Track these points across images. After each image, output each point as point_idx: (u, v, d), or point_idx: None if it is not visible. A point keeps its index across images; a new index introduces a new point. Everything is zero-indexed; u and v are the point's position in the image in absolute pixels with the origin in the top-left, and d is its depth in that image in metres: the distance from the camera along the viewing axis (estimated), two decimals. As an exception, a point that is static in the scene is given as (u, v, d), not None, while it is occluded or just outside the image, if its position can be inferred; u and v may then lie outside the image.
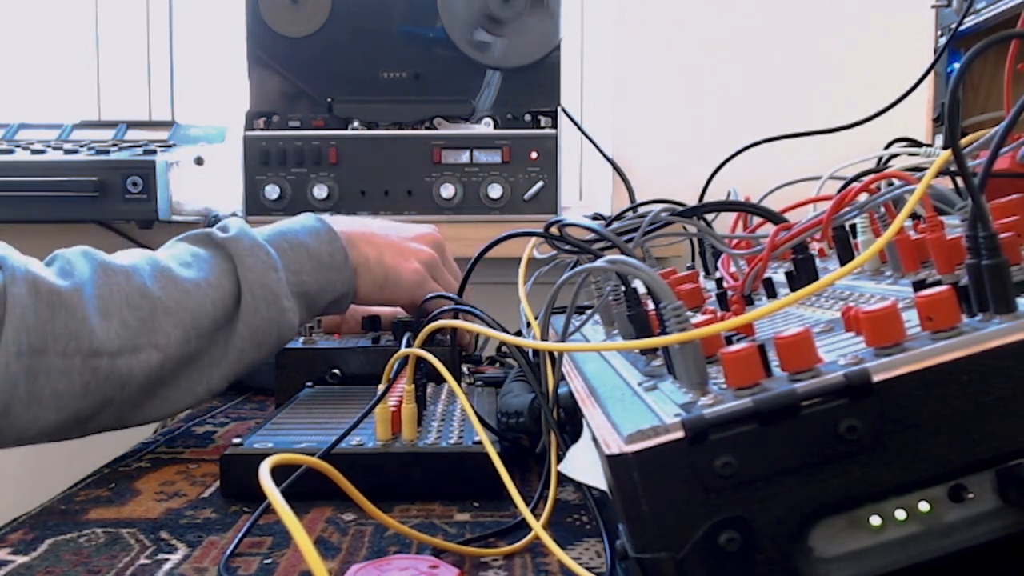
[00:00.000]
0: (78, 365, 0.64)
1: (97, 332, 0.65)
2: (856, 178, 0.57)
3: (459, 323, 0.59)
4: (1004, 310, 0.33)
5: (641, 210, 0.72)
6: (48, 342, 0.63)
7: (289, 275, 0.75)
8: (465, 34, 1.41)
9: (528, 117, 1.41)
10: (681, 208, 0.65)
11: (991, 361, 0.32)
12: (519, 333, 0.72)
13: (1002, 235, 0.34)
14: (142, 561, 0.48)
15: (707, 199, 0.92)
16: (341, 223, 0.83)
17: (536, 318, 0.56)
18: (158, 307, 0.68)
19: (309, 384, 0.83)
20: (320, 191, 1.36)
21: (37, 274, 0.64)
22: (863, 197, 0.52)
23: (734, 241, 0.64)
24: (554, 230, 0.57)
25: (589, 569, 0.41)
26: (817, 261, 0.54)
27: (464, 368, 0.85)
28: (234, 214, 1.41)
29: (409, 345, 0.58)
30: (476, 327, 0.54)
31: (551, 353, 0.54)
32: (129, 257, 0.71)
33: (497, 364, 1.08)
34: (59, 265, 0.67)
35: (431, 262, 0.89)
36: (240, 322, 0.72)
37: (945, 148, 0.50)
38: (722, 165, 0.94)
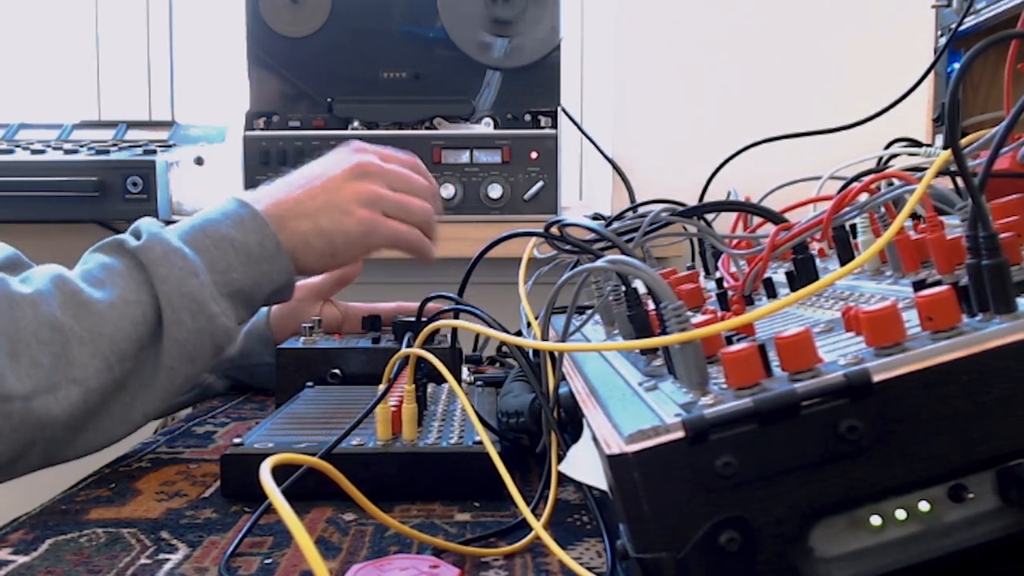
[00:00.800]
0: None
1: (7, 375, 0.59)
2: (856, 178, 0.57)
3: (459, 323, 0.59)
4: (1004, 310, 0.33)
5: (641, 210, 0.72)
6: None
7: (215, 276, 0.69)
8: (465, 34, 1.41)
9: (528, 117, 1.41)
10: (681, 208, 0.65)
11: (991, 361, 0.32)
12: (519, 333, 0.72)
13: (1002, 235, 0.34)
14: (143, 561, 0.48)
15: (707, 199, 0.92)
16: (265, 198, 0.75)
17: (536, 318, 0.56)
18: (71, 338, 0.62)
19: (309, 384, 0.83)
20: (320, 191, 1.36)
21: None
22: (863, 197, 0.52)
23: (734, 241, 0.65)
24: (554, 230, 0.57)
25: (590, 569, 0.41)
26: (817, 261, 0.54)
27: (464, 368, 0.85)
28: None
29: (409, 345, 0.58)
30: (476, 327, 0.54)
31: (551, 353, 0.54)
32: (37, 282, 0.64)
33: (497, 364, 1.08)
34: None
35: (371, 198, 0.78)
36: (166, 338, 0.66)
37: (945, 148, 0.50)
38: (722, 165, 0.94)
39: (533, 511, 0.46)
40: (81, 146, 1.45)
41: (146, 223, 0.70)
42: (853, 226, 0.55)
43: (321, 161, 0.81)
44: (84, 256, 0.70)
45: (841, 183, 0.58)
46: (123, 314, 0.64)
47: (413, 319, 0.88)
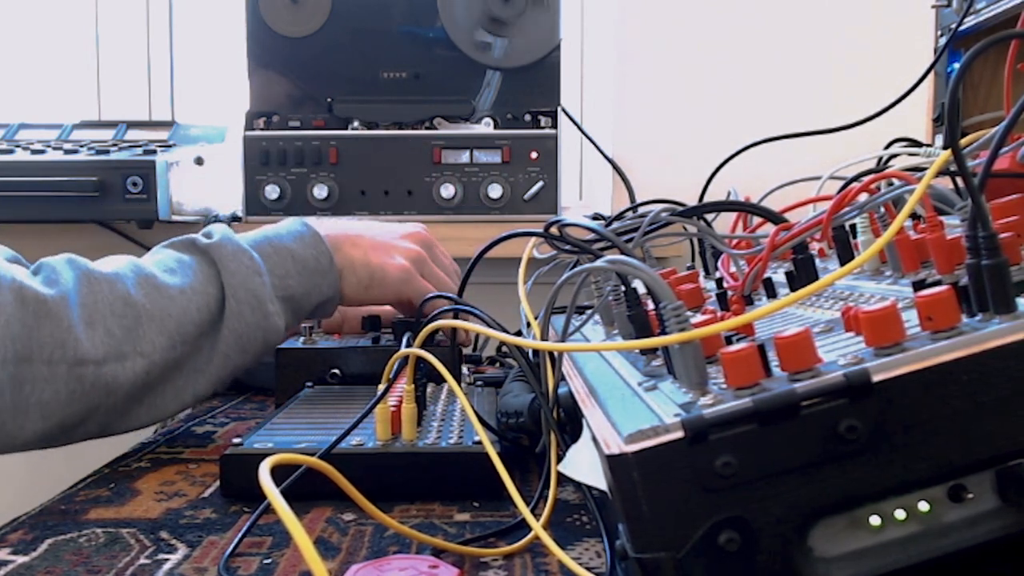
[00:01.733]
0: (64, 373, 0.64)
1: (83, 340, 0.64)
2: (856, 178, 0.57)
3: (459, 323, 0.59)
4: (1004, 310, 0.33)
5: (641, 210, 0.72)
6: (34, 350, 0.63)
7: (274, 279, 0.75)
8: (465, 34, 1.41)
9: (528, 117, 1.41)
10: (681, 208, 0.65)
11: (991, 361, 0.32)
12: (519, 333, 0.72)
13: (1002, 235, 0.34)
14: (142, 561, 0.48)
15: (707, 199, 0.92)
16: (326, 226, 0.83)
17: (536, 318, 0.56)
18: (142, 314, 0.68)
19: (309, 384, 0.83)
20: (320, 191, 1.36)
21: (23, 283, 0.64)
22: (863, 197, 0.52)
23: (734, 241, 0.65)
24: (554, 230, 0.57)
25: (589, 569, 0.41)
26: (817, 261, 0.54)
27: (464, 368, 0.85)
28: (234, 214, 1.41)
29: (409, 345, 0.58)
30: (476, 327, 0.54)
31: (551, 353, 0.54)
32: (113, 264, 0.71)
33: (497, 364, 1.08)
34: (44, 274, 0.67)
35: (418, 258, 0.89)
36: (225, 327, 0.72)
37: (945, 148, 0.50)
38: (722, 165, 0.94)
39: (533, 511, 0.46)
40: (81, 146, 1.45)
41: (218, 227, 0.77)
42: (853, 226, 0.55)
43: (389, 222, 0.94)
44: (155, 248, 0.77)
45: (841, 183, 0.58)
46: (191, 300, 0.71)
47: (413, 319, 0.88)
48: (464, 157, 1.38)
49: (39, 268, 0.69)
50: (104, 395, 0.66)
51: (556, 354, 0.54)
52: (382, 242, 0.87)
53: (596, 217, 1.26)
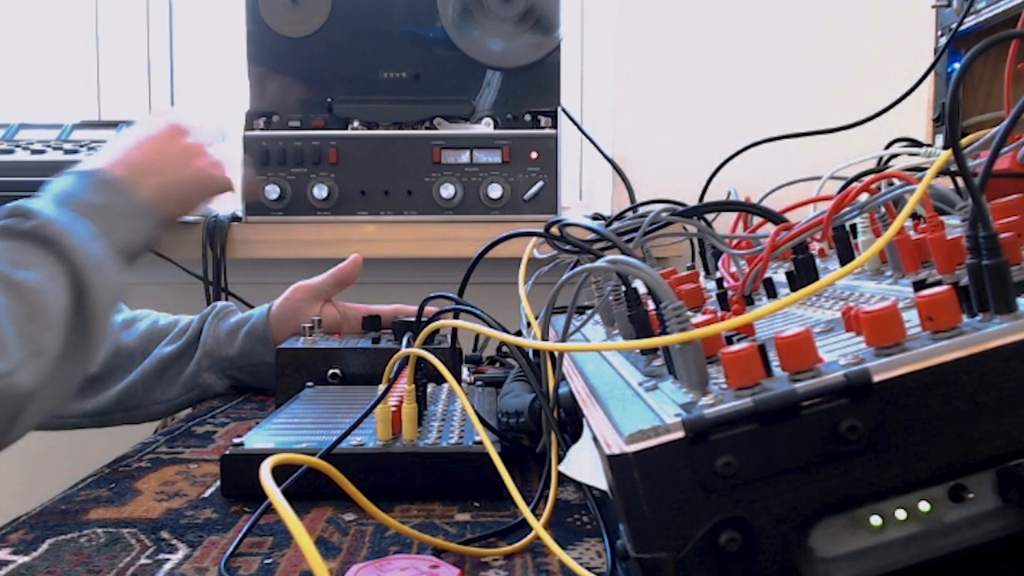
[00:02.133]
0: None
1: None
2: (856, 178, 0.57)
3: (459, 323, 0.59)
4: (1004, 310, 0.33)
5: (641, 210, 0.72)
6: None
7: (106, 239, 0.74)
8: (465, 34, 1.41)
9: (528, 117, 1.41)
10: (681, 208, 0.65)
11: (991, 361, 0.32)
12: (519, 333, 0.72)
13: (1002, 235, 0.34)
14: (143, 561, 0.48)
15: (707, 199, 0.92)
16: (110, 165, 0.81)
17: (536, 318, 0.56)
18: (20, 316, 0.65)
19: (309, 384, 0.83)
20: (320, 191, 1.36)
21: None
22: (863, 197, 0.52)
23: (734, 241, 0.65)
24: (554, 230, 0.57)
25: (590, 569, 0.41)
26: (817, 261, 0.54)
27: (464, 368, 0.85)
28: (234, 214, 1.41)
29: (409, 345, 0.58)
30: (476, 327, 0.54)
31: (551, 353, 0.54)
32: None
33: (497, 364, 1.08)
34: None
35: (197, 151, 0.88)
36: (90, 302, 0.70)
37: (945, 148, 0.50)
38: (722, 165, 0.94)
39: (533, 511, 0.46)
40: (81, 146, 1.45)
41: (18, 205, 0.72)
42: (853, 226, 0.55)
43: (135, 129, 0.89)
44: None
45: (841, 183, 0.58)
46: (52, 286, 0.68)
47: (413, 319, 0.88)
48: (464, 157, 1.38)
49: None
50: (18, 402, 0.63)
51: (556, 354, 0.54)
52: (165, 158, 0.85)
53: (596, 217, 1.26)
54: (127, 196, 0.79)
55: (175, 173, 0.85)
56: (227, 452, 0.59)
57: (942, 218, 0.45)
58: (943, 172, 0.51)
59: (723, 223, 0.97)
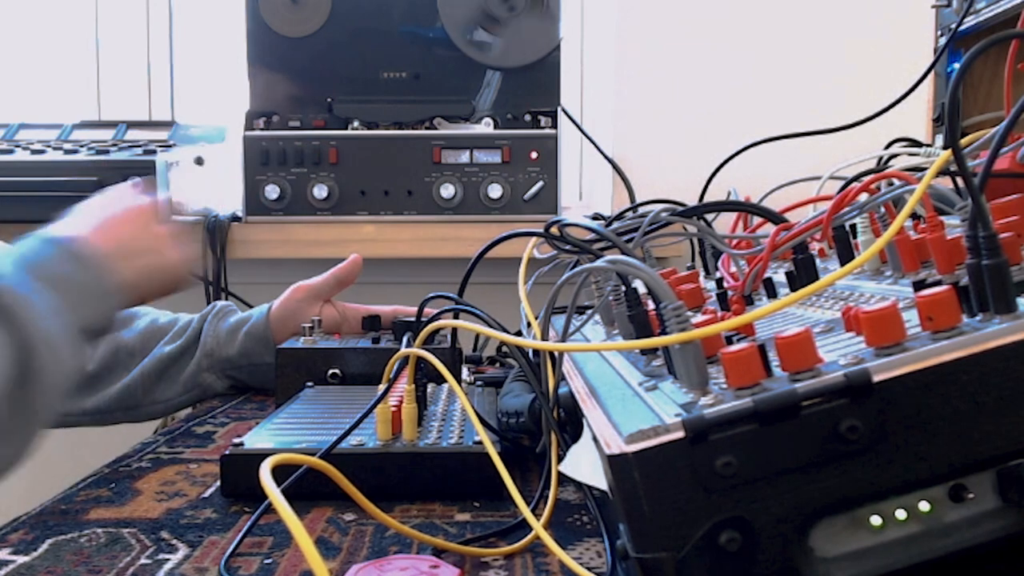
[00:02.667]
0: None
1: None
2: (856, 178, 0.57)
3: (459, 323, 0.59)
4: (1004, 310, 0.33)
5: (641, 210, 0.72)
6: None
7: (71, 315, 0.65)
8: (465, 34, 1.41)
9: (528, 117, 1.41)
10: (681, 208, 0.65)
11: (991, 361, 0.32)
12: (519, 333, 0.72)
13: (1002, 235, 0.34)
14: (143, 561, 0.48)
15: (707, 199, 0.92)
16: (85, 238, 0.73)
17: (536, 318, 0.56)
18: None
19: (309, 384, 0.83)
20: (320, 191, 1.36)
21: None
22: (863, 197, 0.52)
23: (734, 241, 0.65)
24: (554, 230, 0.57)
25: (590, 569, 0.41)
26: (817, 261, 0.54)
27: (464, 368, 0.85)
28: (234, 214, 1.41)
29: (409, 345, 0.58)
30: (476, 327, 0.54)
31: (551, 353, 0.54)
32: None
33: (497, 364, 1.08)
34: None
35: (170, 239, 0.82)
36: (41, 377, 0.59)
37: (945, 148, 0.50)
38: (722, 165, 0.94)
39: (533, 511, 0.46)
40: (81, 146, 1.45)
41: None
42: (853, 226, 0.55)
43: (106, 200, 0.83)
44: None
45: (841, 183, 0.58)
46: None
47: (413, 319, 0.88)
48: (464, 157, 1.38)
49: None
50: None
51: (556, 354, 0.54)
52: (144, 244, 0.79)
53: (596, 217, 1.26)
54: (102, 274, 0.71)
55: (153, 260, 0.79)
56: (227, 452, 0.59)
57: (942, 218, 0.45)
58: (943, 172, 0.51)
59: (723, 223, 0.97)
